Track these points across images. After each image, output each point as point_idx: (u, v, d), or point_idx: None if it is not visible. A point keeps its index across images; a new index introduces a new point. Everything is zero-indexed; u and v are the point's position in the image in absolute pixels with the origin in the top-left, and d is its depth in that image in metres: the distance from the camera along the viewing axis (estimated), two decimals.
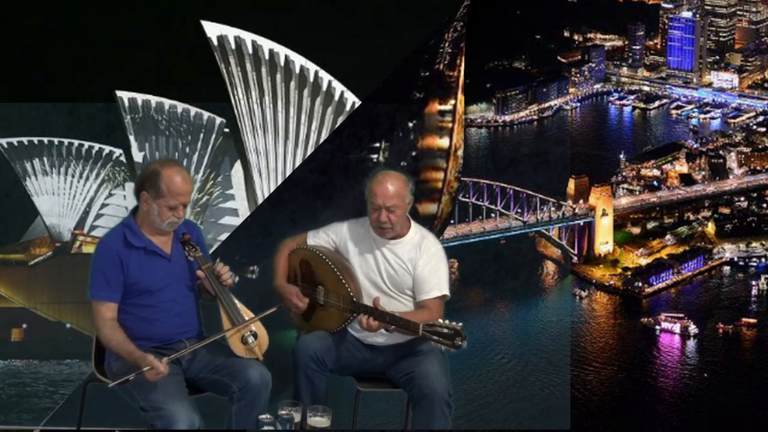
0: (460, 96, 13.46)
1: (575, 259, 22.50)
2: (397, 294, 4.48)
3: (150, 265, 4.23)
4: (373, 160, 13.60)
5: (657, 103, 26.19)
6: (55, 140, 19.28)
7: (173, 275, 4.27)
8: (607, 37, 26.12)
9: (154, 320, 4.22)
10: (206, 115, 19.56)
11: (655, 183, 24.35)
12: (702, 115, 25.99)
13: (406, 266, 4.45)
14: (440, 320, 4.18)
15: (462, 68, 12.32)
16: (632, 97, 26.23)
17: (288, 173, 21.69)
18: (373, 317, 4.25)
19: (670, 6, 26.18)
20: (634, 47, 26.19)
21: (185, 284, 4.31)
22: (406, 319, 4.22)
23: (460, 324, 4.10)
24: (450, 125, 13.99)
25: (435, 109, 13.52)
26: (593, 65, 25.45)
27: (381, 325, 4.24)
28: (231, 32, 18.59)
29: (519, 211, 20.58)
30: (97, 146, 19.34)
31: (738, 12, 26.31)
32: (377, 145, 13.63)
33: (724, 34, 26.15)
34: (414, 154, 13.75)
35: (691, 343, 22.61)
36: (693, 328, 22.50)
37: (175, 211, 4.19)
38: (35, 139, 19.32)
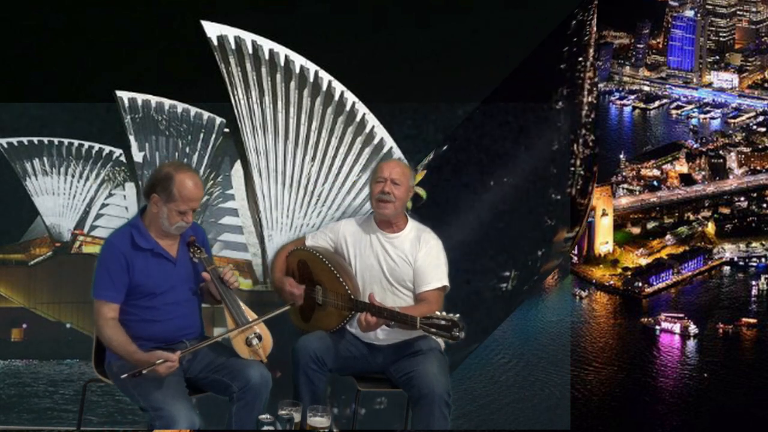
0: (584, 224, 13.49)
1: (575, 259, 22.51)
2: (398, 287, 4.49)
3: (155, 268, 4.22)
4: (502, 289, 13.45)
5: (657, 103, 26.19)
6: (55, 140, 19.29)
7: (177, 278, 4.27)
8: (617, 34, 26.09)
9: (157, 321, 4.23)
10: (206, 115, 19.56)
11: (655, 183, 24.36)
12: (702, 115, 26.00)
13: (407, 258, 4.47)
14: (437, 312, 4.18)
15: (592, 195, 12.10)
16: (632, 96, 26.23)
17: (288, 173, 21.62)
18: (370, 313, 4.26)
19: (675, 4, 26.17)
20: (638, 46, 26.17)
21: (188, 287, 4.31)
22: (403, 313, 4.23)
23: (458, 315, 4.10)
24: (568, 248, 14.19)
25: (562, 236, 13.51)
26: (600, 63, 25.47)
27: (379, 321, 4.25)
28: (231, 32, 18.59)
29: None
30: (97, 146, 19.34)
31: (738, 12, 26.31)
32: (507, 274, 13.48)
33: (724, 34, 26.16)
34: (535, 278, 13.78)
35: (691, 343, 22.62)
36: (693, 328, 22.49)
37: (184, 216, 4.19)
38: (35, 139, 19.33)
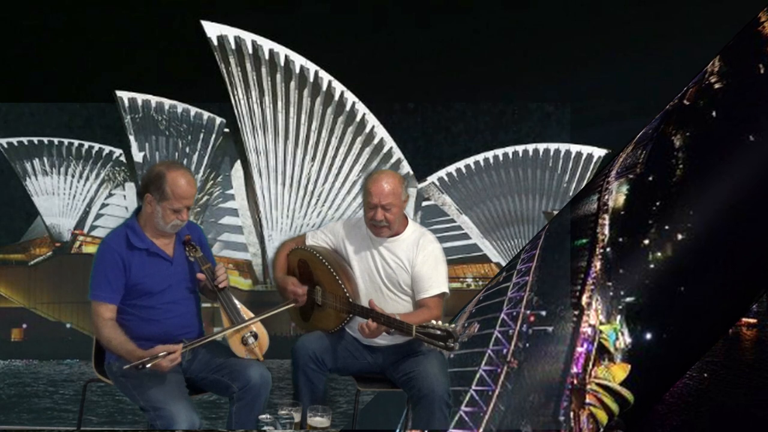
0: None
1: None
2: (396, 292, 4.50)
3: (152, 267, 4.25)
4: None
5: None
6: (55, 140, 19.28)
7: (175, 277, 4.30)
8: None
9: (154, 321, 4.25)
10: (206, 115, 19.55)
11: None
12: None
13: (403, 264, 4.47)
14: (434, 321, 4.18)
15: None
16: None
17: (288, 173, 21.65)
18: (370, 318, 4.26)
19: None
20: None
21: (186, 286, 4.34)
22: (399, 320, 4.23)
23: (453, 326, 4.11)
24: None
25: None
26: None
27: (380, 328, 4.25)
28: (231, 32, 18.60)
29: None
30: (97, 146, 19.32)
31: None
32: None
33: None
34: None
35: None
36: None
37: (178, 214, 4.23)
38: (35, 139, 19.32)
